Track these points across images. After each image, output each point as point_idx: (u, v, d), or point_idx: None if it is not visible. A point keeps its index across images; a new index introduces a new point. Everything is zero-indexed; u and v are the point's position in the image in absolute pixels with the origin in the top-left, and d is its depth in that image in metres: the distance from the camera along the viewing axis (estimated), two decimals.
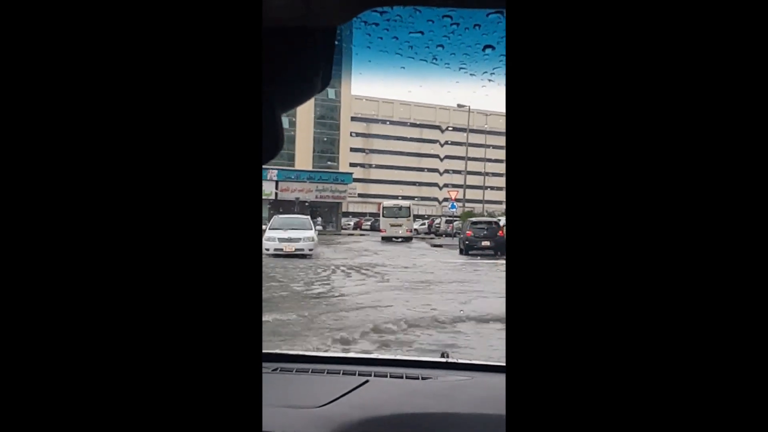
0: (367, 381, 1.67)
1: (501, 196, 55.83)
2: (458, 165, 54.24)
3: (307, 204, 37.51)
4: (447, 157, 62.70)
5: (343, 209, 45.14)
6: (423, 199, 58.53)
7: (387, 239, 28.93)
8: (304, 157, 43.79)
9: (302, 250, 17.78)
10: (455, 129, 60.85)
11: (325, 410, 1.46)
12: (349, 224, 45.72)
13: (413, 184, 59.81)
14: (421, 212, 50.21)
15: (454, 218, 34.19)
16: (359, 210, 55.20)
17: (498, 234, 21.10)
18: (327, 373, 1.76)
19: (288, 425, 1.36)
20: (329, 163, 46.49)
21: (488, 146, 52.36)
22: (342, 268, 15.15)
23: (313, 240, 18.37)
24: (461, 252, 21.76)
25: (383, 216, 30.39)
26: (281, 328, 7.25)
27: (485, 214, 34.07)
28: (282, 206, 37.17)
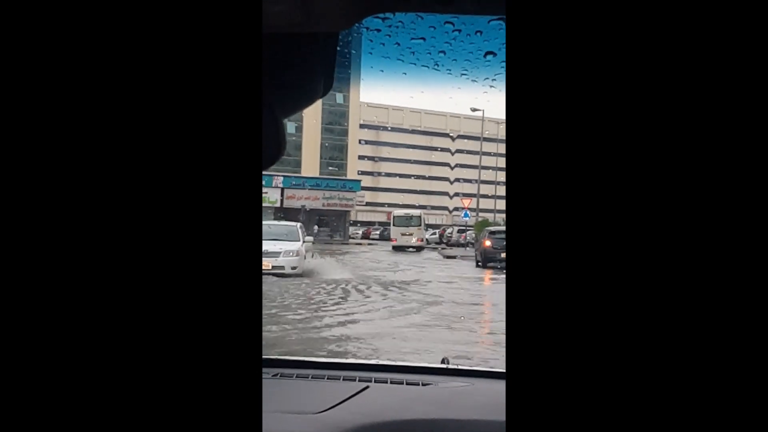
0: (367, 387, 1.62)
1: None
2: (468, 174, 52.81)
3: (306, 211, 35.57)
4: (458, 165, 61.03)
5: (351, 218, 43.30)
6: (433, 208, 56.88)
7: (398, 249, 28.28)
8: (310, 163, 41.94)
9: (282, 268, 13.15)
10: (466, 137, 59.27)
11: (326, 416, 1.44)
12: (357, 233, 43.79)
13: (422, 192, 58.41)
14: (431, 221, 48.83)
15: (467, 228, 32.29)
16: (368, 219, 53.56)
17: None
18: (327, 378, 1.71)
19: (288, 431, 1.35)
20: (333, 169, 44.57)
21: (500, 155, 50.69)
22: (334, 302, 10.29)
23: (297, 254, 13.85)
24: (478, 264, 19.57)
25: (394, 225, 29.65)
26: None
27: (501, 222, 31.98)
28: (287, 214, 35.39)
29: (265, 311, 8.74)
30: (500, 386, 1.57)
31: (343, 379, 1.70)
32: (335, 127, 45.34)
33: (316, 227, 34.48)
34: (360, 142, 51.43)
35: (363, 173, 51.30)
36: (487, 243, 18.77)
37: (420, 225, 29.75)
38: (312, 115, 41.12)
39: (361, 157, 54.40)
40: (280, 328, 7.58)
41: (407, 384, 1.69)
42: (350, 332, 7.50)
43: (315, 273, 14.59)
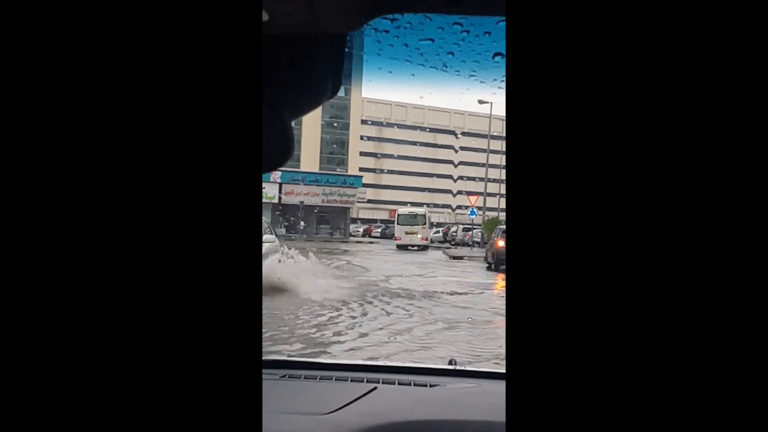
0: (375, 388, 1.60)
1: None
2: (473, 172, 51.05)
3: (303, 207, 33.54)
4: (461, 163, 59.21)
5: (352, 215, 41.34)
6: (436, 206, 55.07)
7: (402, 247, 26.95)
8: (310, 158, 39.82)
9: None
10: (471, 134, 57.47)
11: (334, 417, 1.42)
12: (358, 231, 41.77)
13: (425, 190, 56.59)
14: (434, 220, 47.22)
15: (473, 226, 30.22)
16: (370, 216, 51.64)
17: None
18: (335, 380, 1.69)
19: None
20: (334, 165, 42.52)
21: (504, 153, 48.86)
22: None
23: None
24: (489, 267, 17.41)
25: (398, 223, 28.96)
26: None
27: None
28: (286, 211, 33.38)
29: None
30: None
31: (351, 380, 1.67)
32: (336, 120, 43.28)
33: (302, 223, 32.33)
34: (362, 138, 49.56)
35: (365, 170, 49.73)
36: (501, 243, 16.56)
37: (425, 224, 28.70)
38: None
39: (362, 154, 52.71)
40: None
41: (415, 385, 1.65)
42: None
43: (283, 291, 9.67)
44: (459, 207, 54.10)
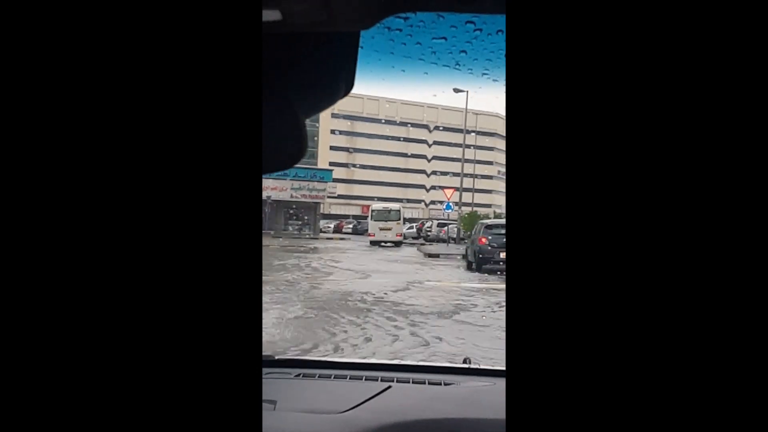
0: (389, 387, 1.60)
1: (489, 199, 50.89)
2: (446, 166, 49.50)
3: (271, 203, 31.42)
4: (434, 157, 57.53)
5: (323, 210, 39.27)
6: (409, 201, 53.24)
7: (375, 243, 26.28)
8: None
9: None
10: (444, 129, 55.86)
11: (348, 416, 1.41)
12: (328, 227, 39.60)
13: (398, 185, 54.74)
14: (407, 215, 45.57)
15: (448, 222, 28.40)
16: (341, 212, 49.60)
17: None
18: (350, 378, 1.69)
19: (312, 431, 1.33)
20: (307, 162, 40.37)
21: (479, 147, 47.54)
22: None
23: None
24: (470, 267, 15.46)
25: (372, 219, 28.07)
26: None
27: (491, 216, 28.10)
28: None
29: None
30: None
31: (366, 379, 1.67)
32: None
33: (267, 219, 30.34)
34: (333, 132, 47.61)
35: (337, 165, 47.91)
36: (484, 240, 14.63)
37: (399, 219, 28.08)
38: None
39: (333, 148, 50.82)
40: None
41: (429, 384, 1.65)
42: None
43: None
44: (432, 202, 52.62)
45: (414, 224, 36.40)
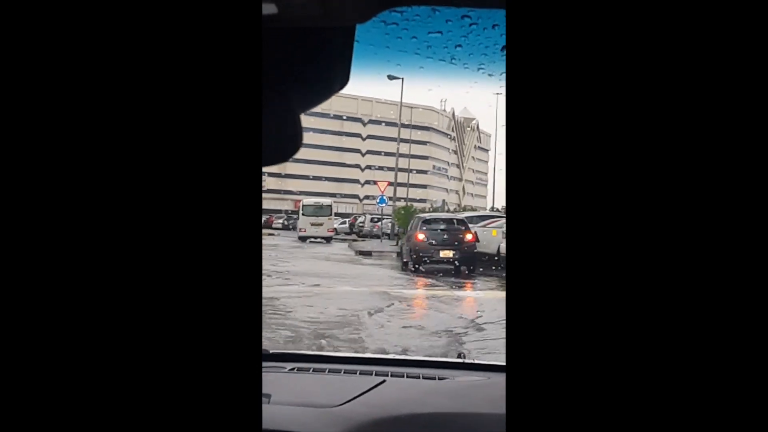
0: (383, 381, 1.57)
1: (425, 194, 49.57)
2: (380, 161, 47.92)
3: None
4: (368, 152, 55.75)
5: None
6: (343, 196, 51.34)
7: (303, 239, 25.47)
8: None
9: None
10: (378, 122, 54.13)
11: (343, 410, 1.40)
12: None
13: (333, 180, 52.65)
14: (341, 210, 43.67)
15: (383, 216, 26.55)
16: (273, 207, 47.07)
17: (465, 239, 12.85)
18: (344, 372, 1.67)
19: (305, 424, 1.32)
20: None
21: (414, 141, 46.26)
22: None
23: None
24: (405, 266, 13.56)
25: (303, 214, 27.12)
26: None
27: (429, 209, 26.40)
28: None
29: None
30: None
31: (360, 373, 1.65)
32: None
33: None
34: None
35: None
36: (421, 236, 12.74)
37: (330, 215, 27.08)
38: None
39: None
40: None
41: (423, 378, 1.64)
42: None
43: None
44: (367, 197, 50.86)
45: (347, 219, 34.45)
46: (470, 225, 13.46)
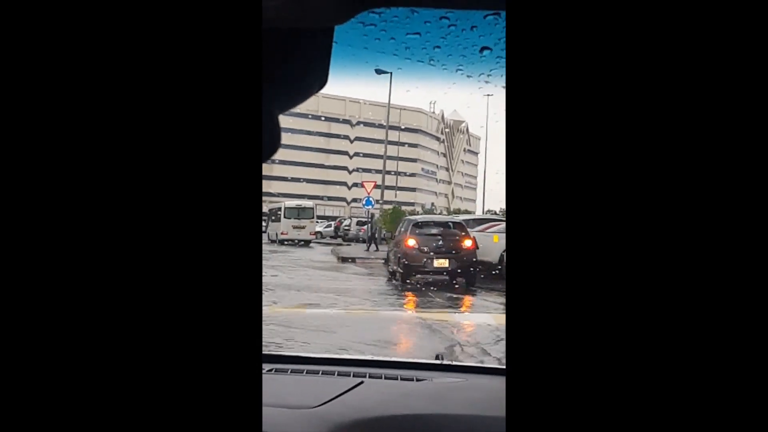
0: (362, 382, 1.55)
1: (413, 197, 47.69)
2: (368, 163, 46.02)
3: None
4: (356, 154, 53.78)
5: None
6: (330, 198, 49.34)
7: (282, 242, 24.63)
8: None
9: None
10: (366, 124, 52.22)
11: (321, 411, 1.39)
12: None
13: (319, 182, 50.66)
14: (328, 213, 41.68)
15: (369, 220, 24.44)
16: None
17: (463, 245, 10.65)
18: (322, 374, 1.64)
19: (283, 426, 1.30)
20: None
21: (403, 144, 44.50)
22: None
23: None
24: (393, 277, 11.44)
25: (285, 217, 26.23)
26: None
27: (418, 212, 24.38)
28: None
29: None
30: (494, 382, 1.61)
31: (338, 375, 1.62)
32: None
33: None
34: None
35: None
36: (411, 242, 10.56)
37: (312, 217, 26.59)
38: None
39: None
40: None
41: (402, 379, 1.62)
42: None
43: None
44: (355, 200, 48.92)
45: (332, 222, 32.37)
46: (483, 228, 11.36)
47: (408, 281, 10.41)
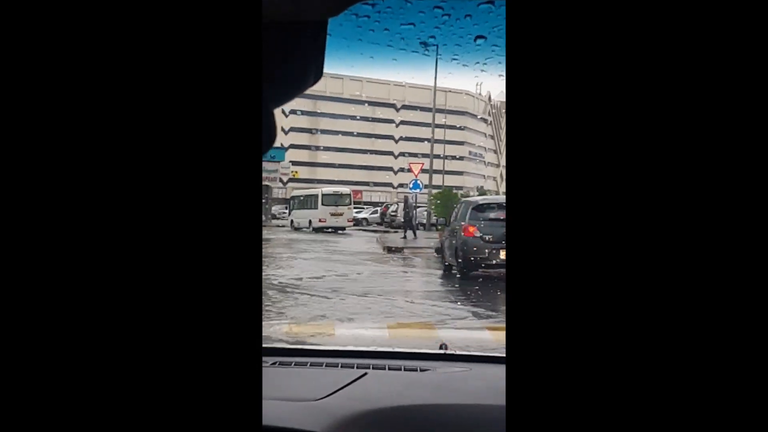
0: (365, 374, 1.56)
1: (461, 181, 45.59)
2: (414, 147, 44.18)
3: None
4: (402, 138, 51.93)
5: (280, 195, 33.62)
6: (375, 184, 47.86)
7: (318, 230, 24.43)
8: None
9: None
10: (411, 107, 50.25)
11: (325, 403, 1.39)
12: (283, 213, 33.54)
13: (365, 168, 49.13)
14: (374, 199, 40.05)
15: (418, 205, 22.62)
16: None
17: None
18: (325, 366, 1.64)
19: (287, 418, 1.29)
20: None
21: (449, 127, 42.49)
22: None
23: None
24: (449, 270, 9.67)
25: (322, 204, 25.86)
26: None
27: (474, 193, 22.59)
28: None
29: None
30: (498, 370, 1.60)
31: (342, 366, 1.62)
32: None
33: None
34: (289, 113, 41.95)
35: (298, 147, 42.33)
36: (473, 229, 8.70)
37: (350, 204, 26.37)
38: None
39: (294, 130, 45.17)
40: None
41: (405, 370, 1.62)
42: None
43: None
44: (401, 185, 47.18)
45: (378, 208, 30.72)
46: None
47: (470, 275, 8.64)
